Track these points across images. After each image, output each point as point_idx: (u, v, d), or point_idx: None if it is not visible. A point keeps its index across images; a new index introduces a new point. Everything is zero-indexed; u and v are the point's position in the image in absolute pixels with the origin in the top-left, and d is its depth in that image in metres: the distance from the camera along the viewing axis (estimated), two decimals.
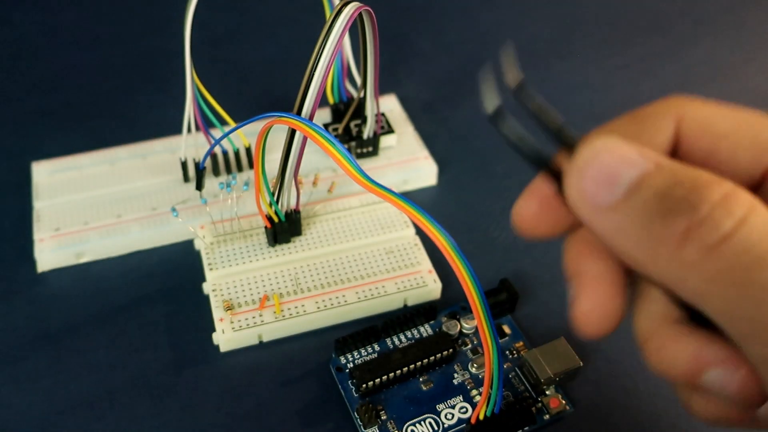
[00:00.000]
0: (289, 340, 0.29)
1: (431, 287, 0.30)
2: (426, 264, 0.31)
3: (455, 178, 0.37)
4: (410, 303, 0.30)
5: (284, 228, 0.31)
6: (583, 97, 0.42)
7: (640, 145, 0.15)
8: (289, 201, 0.30)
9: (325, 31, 0.25)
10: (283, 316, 0.29)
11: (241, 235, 0.32)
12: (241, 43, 0.47)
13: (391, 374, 0.26)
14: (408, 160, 0.36)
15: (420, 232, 0.33)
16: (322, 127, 0.25)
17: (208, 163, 0.34)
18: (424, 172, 0.36)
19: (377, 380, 0.26)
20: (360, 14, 0.28)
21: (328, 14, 0.26)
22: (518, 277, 0.32)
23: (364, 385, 0.26)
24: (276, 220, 0.30)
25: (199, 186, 0.32)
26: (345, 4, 0.26)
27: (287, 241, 0.31)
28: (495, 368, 0.23)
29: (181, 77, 0.31)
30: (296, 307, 0.29)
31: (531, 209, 0.19)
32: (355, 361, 0.28)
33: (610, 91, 0.43)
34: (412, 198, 0.35)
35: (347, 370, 0.27)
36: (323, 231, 0.32)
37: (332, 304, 0.29)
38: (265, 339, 0.29)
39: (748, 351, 0.14)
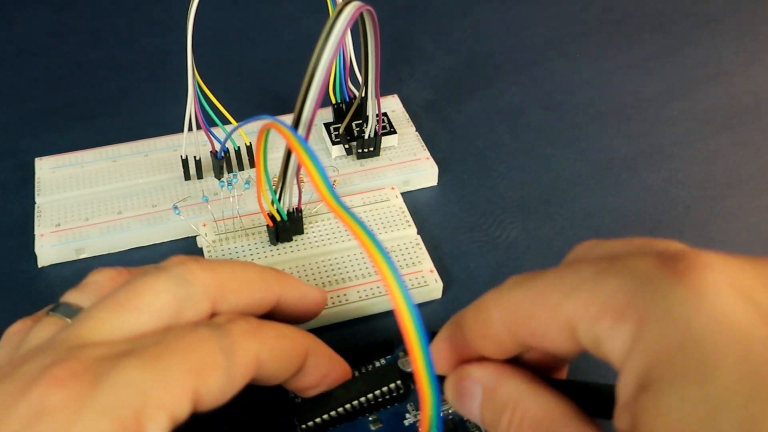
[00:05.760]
0: None
1: (432, 287, 0.30)
2: (427, 263, 0.31)
3: (456, 178, 0.37)
4: None
5: (286, 226, 0.31)
6: (585, 97, 0.42)
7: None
8: (291, 199, 0.30)
9: (326, 31, 0.25)
10: None
11: (243, 233, 0.32)
12: (244, 41, 0.47)
13: (333, 412, 0.24)
14: (409, 161, 0.36)
15: (421, 231, 0.33)
16: (304, 139, 0.23)
17: (207, 162, 0.34)
18: (425, 173, 0.36)
19: (318, 419, 0.24)
20: (361, 14, 0.28)
21: (332, 13, 0.26)
22: None
23: (304, 425, 0.24)
24: (278, 218, 0.30)
25: (218, 175, 0.34)
26: (346, 4, 0.25)
27: (289, 239, 0.31)
28: (433, 409, 0.19)
29: (183, 75, 0.31)
30: None
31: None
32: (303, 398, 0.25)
33: (612, 90, 0.43)
34: (413, 198, 0.35)
35: (296, 404, 0.25)
36: (325, 230, 0.32)
37: (333, 303, 0.29)
38: None
39: None
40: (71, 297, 0.23)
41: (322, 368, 0.23)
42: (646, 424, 0.15)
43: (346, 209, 0.20)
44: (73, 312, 0.22)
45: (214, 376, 0.19)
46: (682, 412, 0.14)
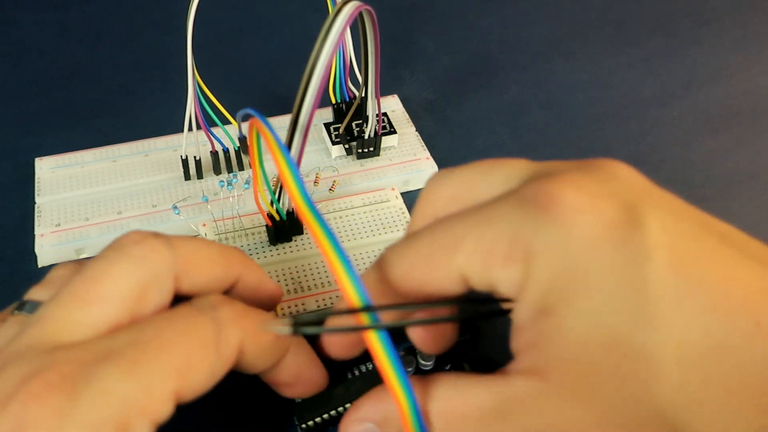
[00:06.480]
0: None
1: None
2: None
3: None
4: None
5: (285, 227, 0.31)
6: (585, 97, 0.42)
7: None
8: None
9: (325, 30, 0.25)
10: (284, 314, 0.29)
11: (242, 233, 0.32)
12: (244, 41, 0.47)
13: (333, 412, 0.24)
14: (409, 161, 0.36)
15: None
16: (282, 142, 0.22)
17: (207, 162, 0.35)
18: (425, 173, 0.36)
19: (317, 419, 0.24)
20: (360, 13, 0.27)
21: (331, 12, 0.26)
22: None
23: (304, 424, 0.24)
24: (277, 218, 0.30)
25: (230, 169, 0.35)
26: (345, 3, 0.25)
27: (288, 239, 0.31)
28: (410, 407, 0.18)
29: (183, 75, 0.31)
30: (296, 306, 0.29)
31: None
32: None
33: (612, 90, 0.43)
34: (413, 198, 0.35)
35: (296, 403, 0.25)
36: None
37: (332, 303, 0.29)
38: None
39: None
40: (35, 293, 0.22)
41: (299, 367, 0.23)
42: (550, 339, 0.17)
43: (313, 210, 0.19)
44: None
45: (196, 373, 0.18)
46: (581, 322, 0.17)
